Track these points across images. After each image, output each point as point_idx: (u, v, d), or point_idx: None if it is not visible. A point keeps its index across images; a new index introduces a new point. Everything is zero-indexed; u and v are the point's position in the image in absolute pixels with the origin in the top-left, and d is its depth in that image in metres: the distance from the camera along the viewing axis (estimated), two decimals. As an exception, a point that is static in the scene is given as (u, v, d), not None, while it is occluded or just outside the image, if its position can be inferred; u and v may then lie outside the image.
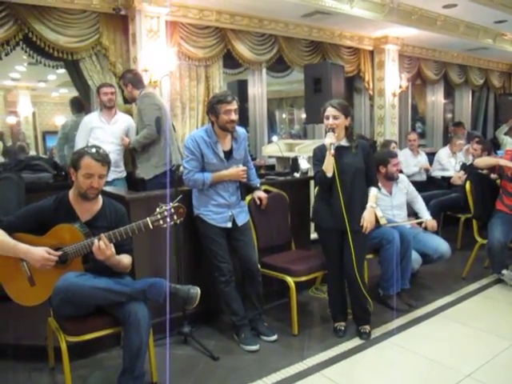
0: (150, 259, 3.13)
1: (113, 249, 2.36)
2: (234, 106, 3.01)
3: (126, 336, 2.34)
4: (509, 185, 4.00)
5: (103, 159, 2.46)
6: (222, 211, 3.12)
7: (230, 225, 3.15)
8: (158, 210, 2.41)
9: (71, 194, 2.51)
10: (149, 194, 3.38)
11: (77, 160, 2.43)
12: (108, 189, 3.36)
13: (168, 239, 2.82)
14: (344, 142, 3.12)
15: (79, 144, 4.15)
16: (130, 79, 4.20)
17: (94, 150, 2.46)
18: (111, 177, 4.27)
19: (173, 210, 2.41)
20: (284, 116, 13.78)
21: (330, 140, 2.98)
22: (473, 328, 3.31)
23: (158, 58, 4.96)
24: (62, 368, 2.41)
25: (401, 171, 4.72)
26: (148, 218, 2.39)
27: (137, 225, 2.39)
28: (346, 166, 3.05)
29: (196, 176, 3.04)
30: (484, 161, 4.26)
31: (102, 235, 2.35)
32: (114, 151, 4.22)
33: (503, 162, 3.98)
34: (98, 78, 5.03)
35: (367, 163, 3.14)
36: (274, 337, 3.17)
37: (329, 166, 3.00)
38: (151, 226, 2.38)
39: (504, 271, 4.10)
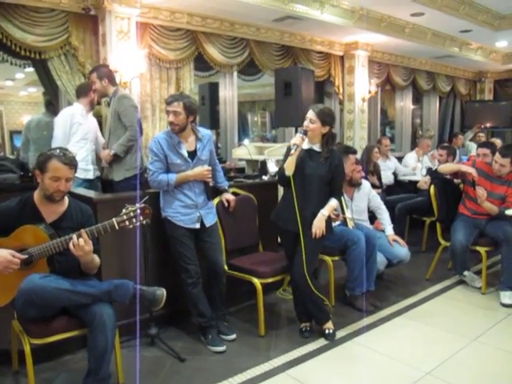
0: (117, 261, 3.12)
1: (91, 245, 2.36)
2: (172, 107, 3.01)
3: (91, 337, 2.32)
4: (470, 189, 4.13)
5: (70, 162, 2.44)
6: (189, 212, 3.13)
7: (198, 226, 3.17)
8: (124, 210, 2.41)
9: (36, 195, 2.49)
10: (117, 195, 3.38)
11: (43, 162, 2.40)
12: (76, 190, 3.34)
13: (137, 240, 2.82)
14: (317, 148, 3.15)
15: (59, 139, 4.03)
16: (107, 74, 4.11)
17: (61, 153, 2.43)
18: (95, 174, 4.25)
19: (139, 211, 2.42)
20: (256, 119, 13.86)
21: (294, 140, 3.03)
22: (434, 327, 3.42)
23: (129, 59, 4.93)
24: (26, 371, 2.37)
25: (365, 177, 4.83)
26: (114, 219, 2.39)
27: (102, 225, 2.38)
28: (308, 171, 3.10)
29: (160, 177, 3.05)
30: (447, 167, 4.39)
31: (82, 230, 2.34)
32: (93, 149, 4.24)
33: (464, 168, 4.11)
34: (66, 78, 4.97)
35: (334, 174, 3.14)
36: (233, 336, 3.22)
37: (289, 165, 3.05)
38: (117, 227, 2.38)
39: (465, 272, 4.24)
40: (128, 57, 4.94)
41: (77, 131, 4.12)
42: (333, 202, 3.18)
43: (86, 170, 4.11)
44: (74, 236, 2.32)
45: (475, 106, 10.54)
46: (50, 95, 5.26)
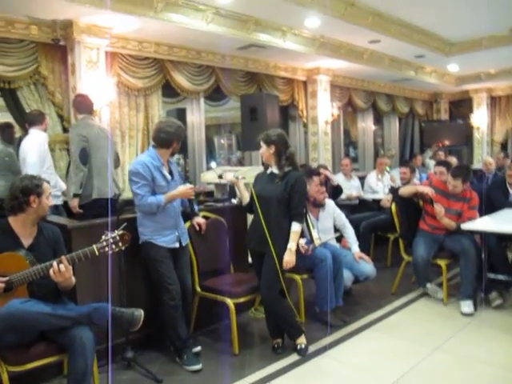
0: (92, 285, 3.17)
1: (71, 271, 2.47)
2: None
3: (70, 361, 2.38)
4: (429, 206, 4.38)
5: (48, 181, 2.71)
6: (169, 233, 3.24)
7: (177, 245, 3.29)
8: (103, 237, 2.52)
9: (15, 220, 2.57)
10: (91, 222, 3.42)
11: (39, 186, 2.58)
12: (48, 218, 3.39)
13: (110, 265, 2.90)
14: (275, 170, 3.33)
15: (37, 166, 4.10)
16: (74, 103, 4.28)
17: (37, 175, 2.70)
18: (60, 199, 4.30)
19: (118, 238, 2.53)
20: (222, 141, 14.03)
21: (228, 177, 3.46)
22: (400, 338, 3.59)
23: (98, 87, 5.03)
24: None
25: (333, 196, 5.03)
26: (94, 245, 2.50)
27: (83, 251, 2.48)
28: (264, 193, 3.30)
29: (149, 200, 3.12)
30: (406, 190, 4.60)
31: (63, 257, 2.45)
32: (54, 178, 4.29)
33: (421, 189, 4.37)
34: (36, 106, 5.02)
35: (290, 194, 3.22)
36: (198, 348, 3.36)
37: (242, 196, 3.45)
38: (97, 253, 2.48)
39: (428, 285, 4.46)
40: (97, 85, 5.05)
41: (46, 158, 4.22)
42: (295, 228, 3.23)
43: (57, 196, 4.16)
44: (55, 263, 2.41)
45: (433, 126, 11.02)
46: (19, 124, 5.27)
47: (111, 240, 2.49)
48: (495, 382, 2.95)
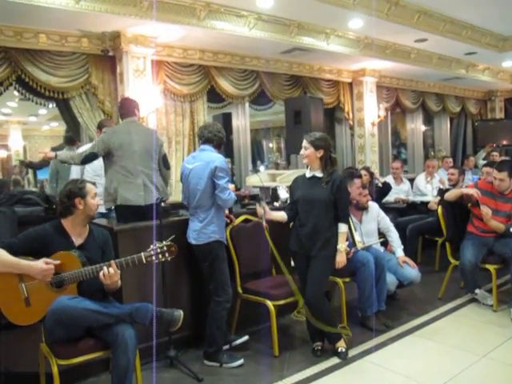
0: (137, 285, 3.29)
1: (119, 275, 2.61)
2: None
3: (113, 357, 2.49)
4: (476, 209, 4.23)
5: (93, 182, 2.90)
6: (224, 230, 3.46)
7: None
8: (152, 246, 2.65)
9: (66, 222, 2.73)
10: (135, 225, 3.54)
11: (82, 188, 2.73)
12: (96, 221, 3.55)
13: (155, 267, 3.01)
14: (318, 173, 3.33)
15: (73, 174, 4.38)
16: (118, 108, 4.39)
17: (80, 179, 2.95)
18: (106, 207, 4.45)
19: (165, 248, 2.65)
20: (271, 145, 14.10)
21: (259, 211, 3.31)
22: (445, 345, 3.49)
23: (145, 95, 5.22)
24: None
25: (377, 199, 4.96)
26: (142, 253, 2.63)
27: (131, 258, 2.62)
28: (312, 197, 3.29)
29: (233, 195, 3.33)
30: (451, 194, 4.48)
31: (112, 262, 2.59)
32: (102, 184, 4.42)
33: (466, 191, 4.25)
34: (87, 115, 5.29)
35: (336, 196, 3.26)
36: (246, 337, 3.52)
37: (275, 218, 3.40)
38: (144, 261, 2.62)
39: (477, 290, 4.31)
40: (144, 93, 5.24)
41: (89, 169, 4.40)
42: (343, 229, 3.32)
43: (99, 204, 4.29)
44: (105, 267, 2.56)
45: (487, 125, 10.59)
46: (73, 131, 5.59)
47: (158, 250, 2.63)
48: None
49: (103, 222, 3.69)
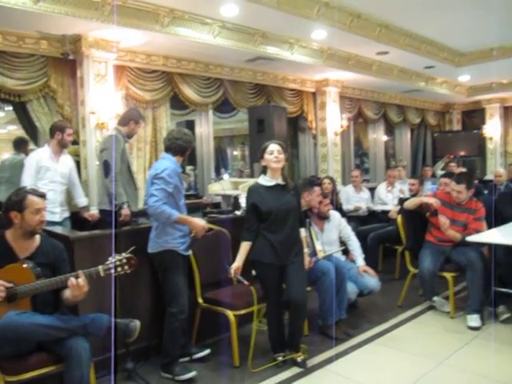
0: (94, 296, 3.17)
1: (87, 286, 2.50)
2: None
3: (67, 371, 2.40)
4: (435, 218, 4.33)
5: (42, 194, 2.65)
6: (185, 241, 3.27)
7: (190, 252, 3.35)
8: (110, 259, 2.56)
9: (9, 234, 2.61)
10: (93, 233, 3.46)
11: (19, 202, 2.55)
12: (51, 228, 3.43)
13: (113, 278, 2.92)
14: (280, 181, 3.29)
15: (26, 182, 4.03)
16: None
17: (30, 189, 2.66)
18: (62, 216, 4.31)
19: (125, 261, 2.57)
20: (236, 153, 14.10)
21: (233, 278, 3.30)
22: (404, 352, 3.54)
23: (106, 100, 5.12)
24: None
25: (339, 208, 5.01)
26: (100, 267, 2.54)
27: (89, 271, 2.53)
28: (287, 206, 3.24)
29: (165, 207, 3.09)
30: (411, 202, 4.57)
31: (80, 272, 2.48)
32: (62, 191, 4.29)
33: (425, 200, 4.35)
34: (45, 119, 5.12)
35: (299, 203, 3.38)
36: (207, 351, 3.43)
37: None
38: (102, 274, 2.54)
39: (435, 298, 4.41)
40: (105, 98, 5.13)
41: (44, 175, 4.16)
42: (304, 233, 3.45)
43: (53, 212, 4.10)
44: (72, 278, 2.46)
45: (446, 136, 10.92)
46: (30, 136, 5.41)
47: (117, 262, 2.55)
48: (499, 397, 2.89)
49: (58, 230, 3.56)
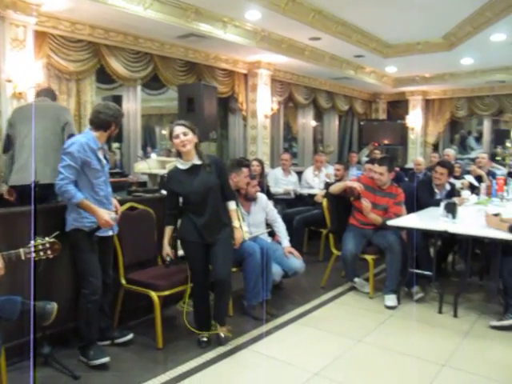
0: (7, 277, 2.97)
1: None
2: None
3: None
4: (358, 202, 4.48)
5: None
6: (94, 220, 3.03)
7: (110, 233, 3.16)
8: (32, 242, 2.37)
9: None
10: (9, 210, 3.22)
11: None
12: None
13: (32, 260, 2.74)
14: (196, 161, 3.25)
15: None
16: None
17: None
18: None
19: (48, 245, 2.40)
20: (164, 132, 13.77)
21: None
22: (325, 331, 3.66)
23: (24, 68, 4.76)
24: None
25: (267, 191, 5.04)
26: (21, 249, 2.34)
27: (8, 254, 2.31)
28: (205, 186, 3.22)
29: (69, 187, 2.88)
30: (336, 187, 4.69)
31: None
32: None
33: (350, 184, 4.48)
34: (-47, 86, 4.68)
35: (221, 178, 3.32)
36: (130, 336, 3.34)
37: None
38: (23, 258, 2.33)
39: (356, 279, 4.58)
40: (24, 66, 4.77)
41: None
42: (234, 206, 3.44)
43: None
44: None
45: (371, 125, 11.32)
46: None
47: (40, 247, 2.37)
48: (411, 370, 3.05)
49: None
